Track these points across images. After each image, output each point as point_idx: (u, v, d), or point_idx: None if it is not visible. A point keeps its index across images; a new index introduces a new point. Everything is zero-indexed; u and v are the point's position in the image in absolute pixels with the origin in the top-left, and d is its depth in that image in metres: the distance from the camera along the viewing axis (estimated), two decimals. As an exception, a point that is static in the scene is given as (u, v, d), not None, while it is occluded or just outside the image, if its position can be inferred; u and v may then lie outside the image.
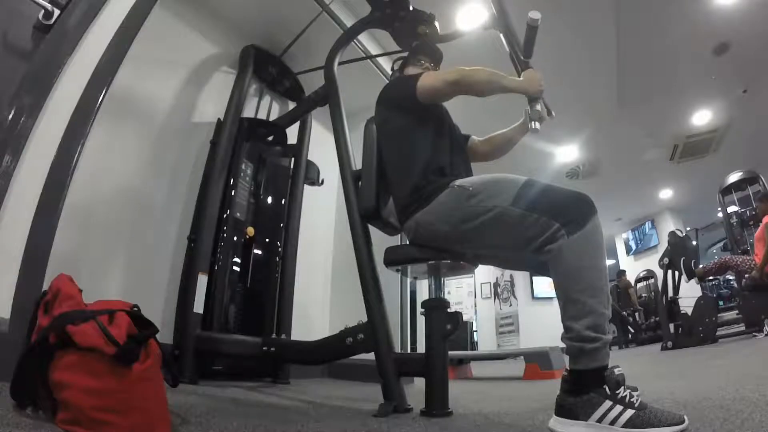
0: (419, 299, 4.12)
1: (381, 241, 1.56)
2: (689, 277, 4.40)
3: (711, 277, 4.66)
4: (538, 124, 1.33)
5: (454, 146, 1.43)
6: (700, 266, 4.46)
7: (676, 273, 4.57)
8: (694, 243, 5.05)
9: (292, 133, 2.66)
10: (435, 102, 1.41)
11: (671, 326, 4.29)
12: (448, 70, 1.40)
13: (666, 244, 4.81)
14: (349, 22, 2.57)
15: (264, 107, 2.85)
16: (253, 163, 2.41)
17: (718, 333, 4.03)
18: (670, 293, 4.59)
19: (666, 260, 4.62)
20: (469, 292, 8.58)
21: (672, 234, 4.77)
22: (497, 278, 8.50)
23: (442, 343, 1.30)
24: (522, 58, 1.39)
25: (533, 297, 8.09)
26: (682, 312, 4.36)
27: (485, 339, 8.27)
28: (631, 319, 7.00)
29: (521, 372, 3.01)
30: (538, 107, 1.32)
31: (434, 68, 1.64)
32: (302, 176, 2.63)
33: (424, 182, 1.27)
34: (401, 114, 1.41)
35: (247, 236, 2.27)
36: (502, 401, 1.70)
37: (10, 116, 1.19)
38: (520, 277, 8.07)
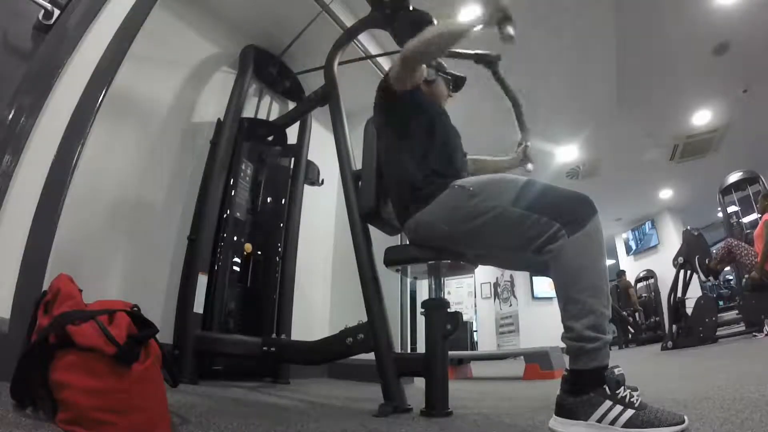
0: (419, 299, 4.12)
1: (381, 241, 1.56)
2: (706, 275, 4.34)
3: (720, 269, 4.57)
4: (531, 166, 1.34)
5: (453, 147, 1.43)
6: (714, 260, 4.40)
7: (688, 272, 4.51)
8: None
9: (292, 133, 2.66)
10: (411, 86, 1.37)
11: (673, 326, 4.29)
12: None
13: (666, 244, 4.81)
14: (349, 22, 2.57)
15: (264, 107, 2.85)
16: (253, 163, 2.41)
17: (718, 333, 4.04)
18: (679, 293, 4.53)
19: (681, 259, 4.55)
20: (469, 292, 8.59)
21: (687, 232, 4.69)
22: (497, 278, 8.51)
23: (442, 343, 1.30)
24: None
25: (533, 297, 8.10)
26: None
27: (485, 339, 8.28)
28: (631, 319, 7.01)
29: (521, 372, 3.01)
30: (510, 30, 1.12)
31: (450, 96, 1.62)
32: (302, 176, 2.63)
33: (424, 182, 1.27)
34: (393, 113, 1.42)
35: (246, 252, 2.25)
36: (502, 401, 1.70)
37: (10, 116, 1.19)
38: (520, 277, 8.08)
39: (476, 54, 1.72)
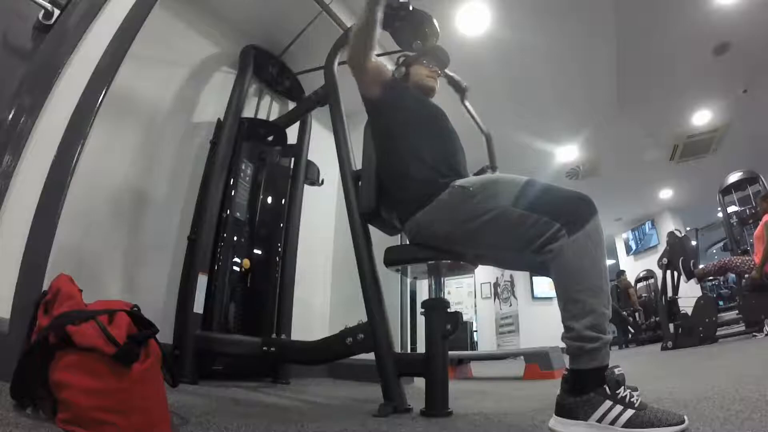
0: (419, 299, 4.11)
1: (381, 241, 1.56)
2: (688, 278, 4.40)
3: (710, 278, 4.65)
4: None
5: (454, 147, 1.44)
6: (700, 266, 4.46)
7: (675, 273, 4.57)
8: (694, 243, 5.05)
9: (292, 133, 2.66)
10: (372, 79, 1.43)
11: (671, 326, 4.29)
12: None
13: (665, 245, 4.82)
14: (349, 22, 2.56)
15: (264, 107, 2.85)
16: (253, 163, 2.41)
17: (718, 333, 4.03)
18: (670, 293, 4.58)
19: (665, 260, 4.62)
20: (469, 292, 8.58)
21: (671, 234, 4.76)
22: (497, 278, 8.51)
23: (442, 343, 1.30)
24: None
25: (533, 297, 8.09)
26: (682, 312, 4.36)
27: (485, 339, 8.27)
28: (631, 319, 7.01)
29: (521, 372, 3.01)
30: None
31: (437, 72, 1.63)
32: (302, 176, 2.63)
33: (424, 182, 1.27)
34: (379, 116, 1.45)
35: (244, 268, 2.22)
36: (502, 401, 1.70)
37: (10, 116, 1.19)
38: (520, 277, 8.07)
39: (449, 75, 1.75)
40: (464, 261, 1.33)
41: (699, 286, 5.10)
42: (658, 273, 7.21)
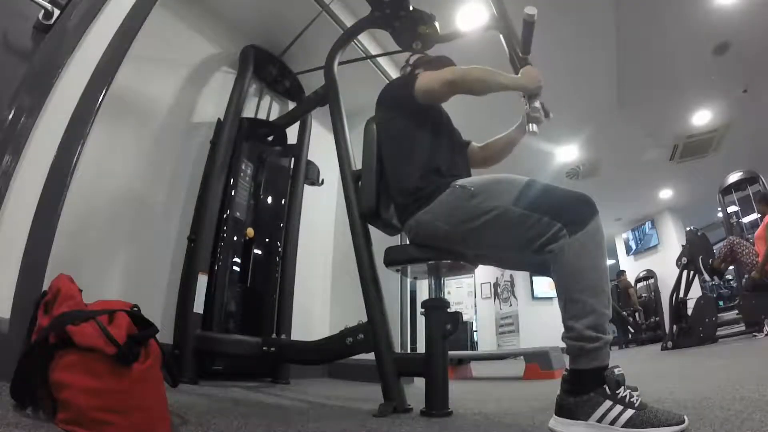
0: (419, 299, 4.11)
1: (381, 241, 1.56)
2: (711, 275, 4.31)
3: (725, 268, 4.49)
4: (536, 127, 1.32)
5: (454, 147, 1.44)
6: (717, 259, 4.37)
7: (691, 273, 4.46)
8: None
9: (292, 133, 2.66)
10: (433, 102, 1.41)
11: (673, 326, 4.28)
12: (445, 69, 1.40)
13: (666, 244, 4.80)
14: (349, 22, 2.57)
15: (264, 107, 2.85)
16: (253, 163, 2.41)
17: (718, 333, 4.03)
18: (682, 293, 4.48)
19: (684, 259, 4.49)
20: (469, 292, 8.59)
21: (690, 232, 4.62)
22: (497, 278, 8.51)
23: (442, 343, 1.30)
24: (520, 54, 1.39)
25: (533, 297, 8.09)
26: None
27: (485, 339, 8.28)
28: (631, 319, 7.01)
29: (521, 372, 3.01)
30: (537, 104, 1.30)
31: None
32: (302, 176, 2.64)
33: (425, 182, 1.27)
34: (401, 114, 1.41)
35: (247, 237, 2.26)
36: (502, 401, 1.70)
37: (10, 116, 1.18)
38: (520, 277, 8.08)
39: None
40: (464, 261, 1.33)
41: (699, 286, 5.05)
42: (659, 273, 7.25)
